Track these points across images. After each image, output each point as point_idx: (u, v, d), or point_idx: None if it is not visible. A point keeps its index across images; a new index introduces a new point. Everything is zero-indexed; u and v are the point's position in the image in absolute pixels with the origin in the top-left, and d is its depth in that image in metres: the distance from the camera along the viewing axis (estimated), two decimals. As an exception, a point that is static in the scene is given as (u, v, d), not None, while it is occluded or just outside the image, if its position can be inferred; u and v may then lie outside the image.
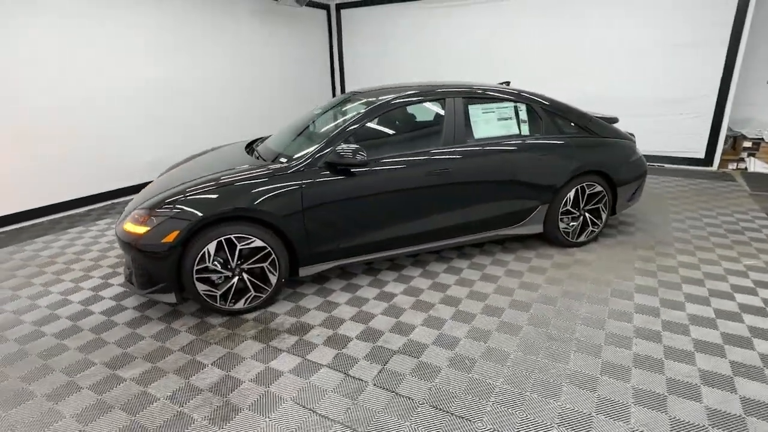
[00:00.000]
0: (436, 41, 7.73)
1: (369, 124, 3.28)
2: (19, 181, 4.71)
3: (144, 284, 2.82)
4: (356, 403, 2.18)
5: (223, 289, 2.85)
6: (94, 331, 2.84)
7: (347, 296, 3.19)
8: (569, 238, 3.80)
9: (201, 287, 2.79)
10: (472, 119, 3.51)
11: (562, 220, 3.73)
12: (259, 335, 2.77)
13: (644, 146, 6.19)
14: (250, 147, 3.77)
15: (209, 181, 2.91)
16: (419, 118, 3.74)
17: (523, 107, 3.69)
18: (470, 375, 2.34)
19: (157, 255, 2.70)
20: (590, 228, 3.84)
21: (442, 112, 3.43)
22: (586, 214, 3.80)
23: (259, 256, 2.88)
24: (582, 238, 3.85)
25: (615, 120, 4.09)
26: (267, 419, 2.10)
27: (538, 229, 3.74)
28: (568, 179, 3.60)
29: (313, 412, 2.14)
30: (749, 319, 2.74)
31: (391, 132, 3.59)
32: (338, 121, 3.48)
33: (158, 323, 2.92)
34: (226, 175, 2.97)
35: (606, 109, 5.36)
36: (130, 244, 2.77)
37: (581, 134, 3.77)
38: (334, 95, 9.10)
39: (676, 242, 3.88)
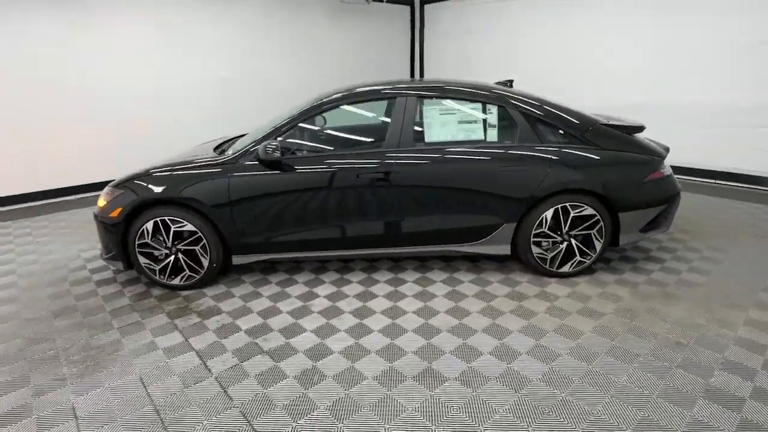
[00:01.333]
0: (517, 39, 7.10)
1: (309, 124, 3.26)
2: (106, 156, 5.80)
3: (103, 250, 3.30)
4: (184, 391, 2.25)
5: (161, 265, 3.15)
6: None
7: (276, 290, 3.25)
8: (547, 266, 3.22)
9: (142, 260, 3.14)
10: (425, 121, 3.20)
11: (538, 243, 3.17)
12: (174, 311, 3.00)
13: (710, 162, 5.37)
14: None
15: (164, 166, 3.23)
16: (366, 118, 3.53)
17: (494, 110, 3.21)
18: (306, 391, 2.21)
19: (106, 227, 3.14)
20: (578, 257, 3.18)
21: (391, 113, 3.21)
22: (573, 241, 3.16)
23: (192, 239, 3.11)
24: (566, 269, 3.22)
25: (639, 129, 3.29)
26: (102, 387, 2.29)
27: (504, 250, 3.25)
28: (542, 196, 3.06)
29: (145, 389, 2.27)
30: None
31: (335, 132, 3.48)
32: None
33: (117, 286, 3.38)
34: (181, 163, 3.25)
35: (662, 118, 4.40)
36: (95, 214, 3.27)
37: (572, 144, 3.13)
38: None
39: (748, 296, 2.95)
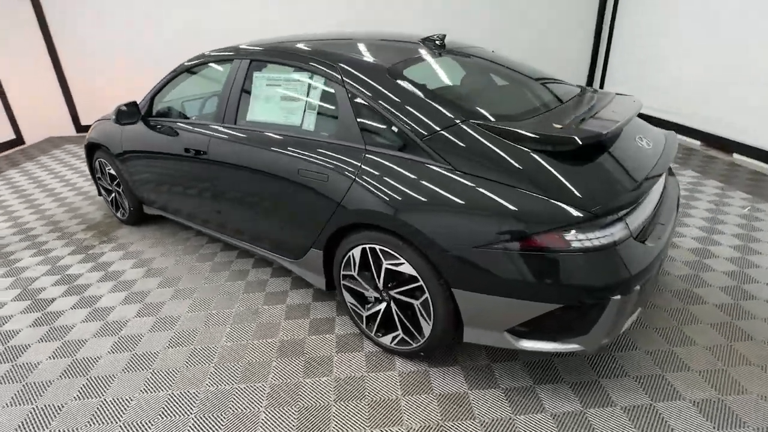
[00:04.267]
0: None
1: (183, 85, 3.07)
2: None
3: None
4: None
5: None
6: None
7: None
8: (365, 326, 2.22)
9: None
10: (253, 92, 2.52)
11: (348, 289, 2.22)
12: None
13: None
14: None
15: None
16: (221, 84, 2.73)
17: (320, 84, 2.25)
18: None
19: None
20: (400, 333, 2.07)
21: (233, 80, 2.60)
22: (393, 306, 2.06)
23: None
24: (386, 341, 2.14)
25: (569, 141, 1.73)
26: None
27: (319, 282, 2.39)
28: (345, 224, 2.06)
29: None
30: None
31: (196, 98, 3.36)
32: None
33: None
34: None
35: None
36: None
37: (403, 154, 1.92)
38: (592, 70, 6.99)
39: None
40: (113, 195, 3.64)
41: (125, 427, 1.82)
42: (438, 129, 1.88)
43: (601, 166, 1.76)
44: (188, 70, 2.95)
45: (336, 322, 2.41)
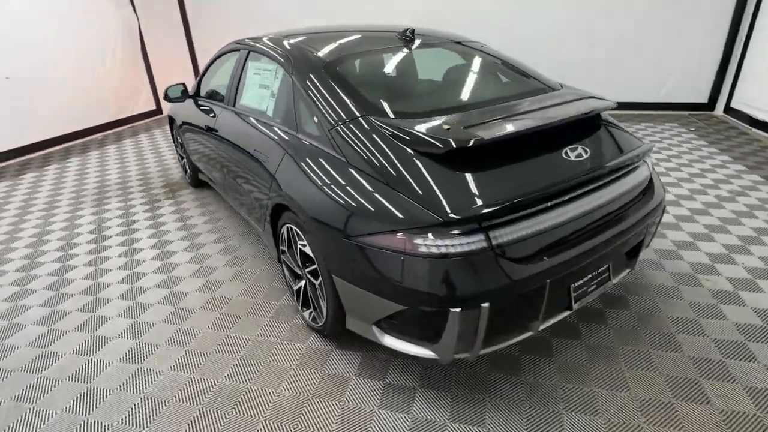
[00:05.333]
0: None
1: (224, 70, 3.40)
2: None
3: None
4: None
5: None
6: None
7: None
8: (295, 300, 2.40)
9: None
10: (246, 79, 2.87)
11: (284, 263, 2.42)
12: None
13: None
14: None
15: None
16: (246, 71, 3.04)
17: (279, 74, 2.47)
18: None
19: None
20: (312, 311, 2.24)
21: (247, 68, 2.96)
22: (306, 283, 2.22)
23: None
24: (306, 315, 2.29)
25: (458, 143, 1.66)
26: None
27: (274, 255, 2.61)
28: (273, 203, 2.29)
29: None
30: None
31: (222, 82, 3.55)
32: None
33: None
34: None
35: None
36: None
37: (320, 144, 2.06)
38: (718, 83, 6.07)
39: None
40: (183, 160, 4.42)
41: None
42: (339, 122, 1.98)
43: (482, 173, 1.68)
44: (219, 57, 3.45)
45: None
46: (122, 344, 2.31)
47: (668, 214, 3.39)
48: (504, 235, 1.58)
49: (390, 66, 2.52)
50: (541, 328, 1.79)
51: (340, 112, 2.01)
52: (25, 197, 4.43)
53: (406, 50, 2.54)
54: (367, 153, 1.82)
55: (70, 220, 3.83)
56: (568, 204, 1.73)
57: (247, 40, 3.00)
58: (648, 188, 2.14)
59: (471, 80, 2.47)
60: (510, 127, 1.78)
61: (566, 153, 1.80)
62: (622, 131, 2.15)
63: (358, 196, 1.75)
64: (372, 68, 2.47)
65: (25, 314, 2.59)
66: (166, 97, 3.56)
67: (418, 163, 1.70)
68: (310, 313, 2.26)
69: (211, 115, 3.21)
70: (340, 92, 2.09)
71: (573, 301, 1.84)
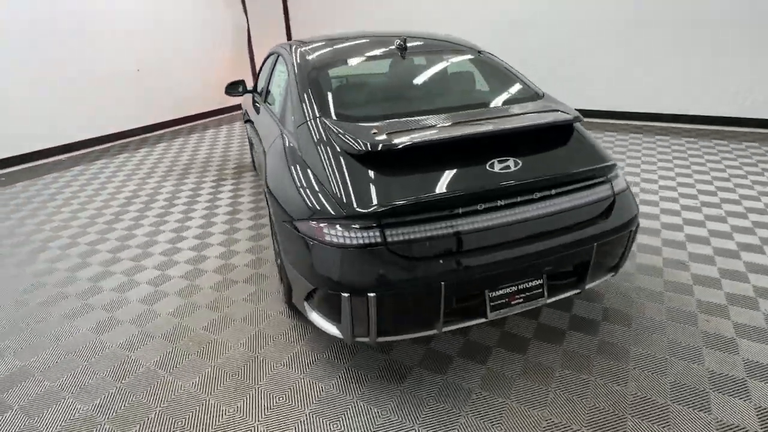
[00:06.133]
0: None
1: None
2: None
3: None
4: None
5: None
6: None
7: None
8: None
9: None
10: (273, 78, 3.32)
11: None
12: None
13: None
14: None
15: None
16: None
17: (286, 77, 2.90)
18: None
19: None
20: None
21: None
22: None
23: None
24: (281, 289, 2.71)
25: None
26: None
27: None
28: (264, 193, 2.86)
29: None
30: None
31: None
32: None
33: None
34: None
35: None
36: None
37: None
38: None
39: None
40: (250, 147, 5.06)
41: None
42: (303, 121, 2.25)
43: (392, 176, 1.81)
44: (267, 58, 3.88)
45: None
46: (144, 289, 2.90)
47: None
48: (399, 234, 1.71)
49: (366, 73, 2.73)
50: (448, 329, 1.86)
51: (305, 112, 2.29)
52: (134, 167, 5.49)
53: (390, 58, 2.72)
54: (311, 149, 2.07)
55: (155, 189, 4.69)
56: (481, 214, 1.77)
57: (281, 44, 3.40)
58: (609, 209, 2.02)
59: (439, 88, 2.56)
60: (431, 135, 1.87)
61: (491, 164, 1.83)
62: (589, 147, 2.07)
63: (298, 185, 2.01)
64: (348, 75, 2.70)
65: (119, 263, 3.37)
66: (227, 91, 4.14)
67: (342, 161, 1.90)
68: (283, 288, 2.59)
69: (255, 109, 3.70)
70: (311, 95, 2.36)
71: (489, 310, 1.87)
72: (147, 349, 2.34)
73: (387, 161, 1.86)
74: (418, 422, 1.84)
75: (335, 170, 1.88)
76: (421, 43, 2.89)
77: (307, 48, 2.91)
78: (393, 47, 2.75)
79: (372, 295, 1.68)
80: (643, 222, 3.43)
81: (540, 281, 1.92)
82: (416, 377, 2.07)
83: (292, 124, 2.38)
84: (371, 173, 1.83)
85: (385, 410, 1.91)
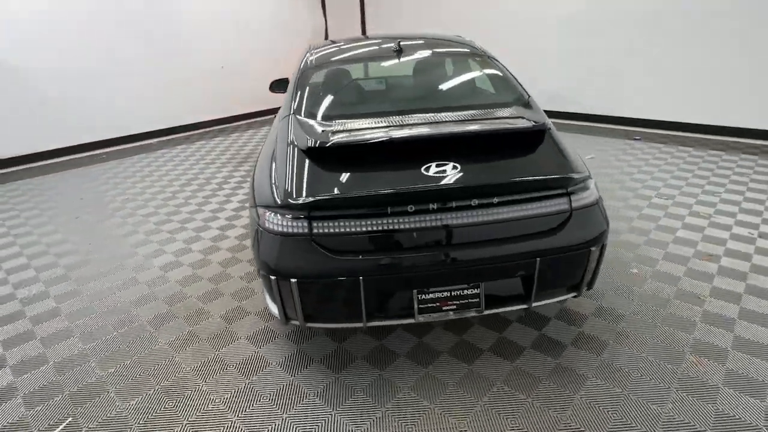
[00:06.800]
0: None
1: None
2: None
3: None
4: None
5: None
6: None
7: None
8: None
9: None
10: None
11: None
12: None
13: None
14: None
15: None
16: None
17: None
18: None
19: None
20: None
21: None
22: None
23: None
24: None
25: None
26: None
27: None
28: None
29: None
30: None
31: None
32: None
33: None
34: None
35: None
36: None
37: None
38: None
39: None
40: None
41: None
42: (284, 115, 2.46)
43: (329, 172, 1.92)
44: None
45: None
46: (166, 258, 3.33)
47: None
48: (324, 227, 1.80)
49: (355, 74, 2.82)
50: (374, 324, 1.91)
51: (287, 108, 2.49)
52: (204, 153, 6.17)
53: (385, 61, 2.82)
54: (280, 142, 2.23)
55: (212, 173, 5.25)
56: (411, 215, 1.79)
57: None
58: (562, 224, 1.90)
59: (419, 90, 2.58)
60: (368, 136, 1.95)
61: (428, 168, 1.84)
62: (553, 157, 1.98)
63: (263, 174, 2.16)
64: (337, 75, 2.82)
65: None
66: (271, 88, 4.48)
67: (293, 155, 2.04)
68: None
69: None
70: (298, 93, 2.55)
71: (418, 312, 1.88)
72: (148, 308, 2.72)
73: (325, 158, 1.97)
74: None
75: (286, 163, 2.03)
76: (420, 45, 2.94)
77: (317, 50, 3.10)
78: (390, 50, 2.82)
79: (294, 281, 1.81)
80: (706, 246, 3.08)
81: (476, 290, 1.89)
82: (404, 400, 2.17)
83: (278, 118, 2.60)
84: (310, 168, 1.95)
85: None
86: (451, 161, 1.87)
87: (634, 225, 3.43)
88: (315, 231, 1.82)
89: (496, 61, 2.83)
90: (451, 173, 1.84)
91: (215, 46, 7.32)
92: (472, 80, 2.63)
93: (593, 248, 1.93)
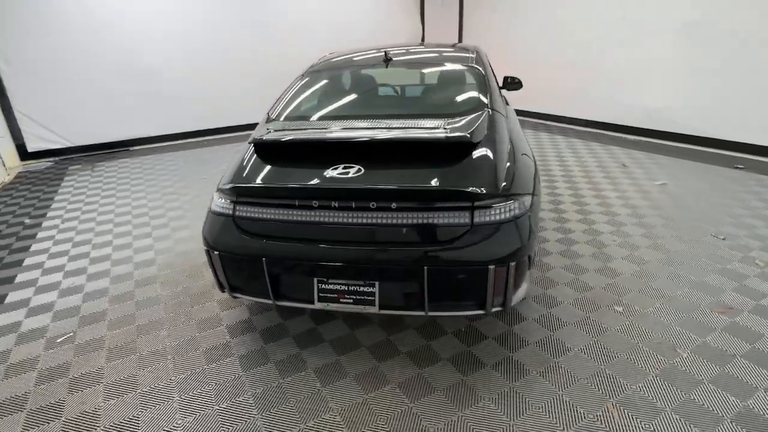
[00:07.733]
0: None
1: None
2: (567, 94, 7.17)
3: None
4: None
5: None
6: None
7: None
8: None
9: None
10: None
11: None
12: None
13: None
14: None
15: None
16: None
17: None
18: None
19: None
20: None
21: None
22: None
23: None
24: None
25: None
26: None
27: None
28: None
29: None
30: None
31: None
32: None
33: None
34: None
35: None
36: None
37: None
38: None
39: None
40: None
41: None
42: (271, 116, 2.76)
43: (260, 165, 2.20)
44: None
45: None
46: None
47: None
48: (242, 210, 2.09)
49: (340, 81, 3.03)
50: (282, 303, 2.12)
51: (278, 108, 2.81)
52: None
53: (370, 69, 2.98)
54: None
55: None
56: (314, 210, 1.97)
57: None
58: (457, 237, 1.87)
59: (387, 98, 2.64)
60: (297, 136, 2.21)
61: (335, 168, 1.97)
62: (472, 171, 1.98)
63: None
64: (325, 83, 3.04)
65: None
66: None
67: (246, 150, 2.37)
68: None
69: None
70: (281, 98, 2.87)
71: (317, 299, 2.02)
72: (149, 269, 3.24)
73: (260, 153, 2.26)
74: None
75: (241, 156, 2.36)
76: (413, 56, 3.07)
77: (322, 59, 3.41)
78: (379, 59, 2.98)
79: (216, 253, 2.11)
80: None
81: (372, 289, 1.96)
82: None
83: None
84: (248, 161, 2.26)
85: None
86: (359, 164, 1.99)
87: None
88: (237, 214, 2.11)
89: (482, 71, 2.80)
90: (352, 175, 1.95)
91: (310, 47, 7.90)
92: (445, 90, 2.64)
93: (493, 266, 1.85)
